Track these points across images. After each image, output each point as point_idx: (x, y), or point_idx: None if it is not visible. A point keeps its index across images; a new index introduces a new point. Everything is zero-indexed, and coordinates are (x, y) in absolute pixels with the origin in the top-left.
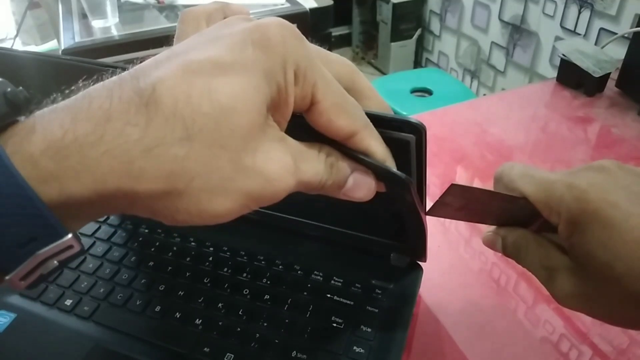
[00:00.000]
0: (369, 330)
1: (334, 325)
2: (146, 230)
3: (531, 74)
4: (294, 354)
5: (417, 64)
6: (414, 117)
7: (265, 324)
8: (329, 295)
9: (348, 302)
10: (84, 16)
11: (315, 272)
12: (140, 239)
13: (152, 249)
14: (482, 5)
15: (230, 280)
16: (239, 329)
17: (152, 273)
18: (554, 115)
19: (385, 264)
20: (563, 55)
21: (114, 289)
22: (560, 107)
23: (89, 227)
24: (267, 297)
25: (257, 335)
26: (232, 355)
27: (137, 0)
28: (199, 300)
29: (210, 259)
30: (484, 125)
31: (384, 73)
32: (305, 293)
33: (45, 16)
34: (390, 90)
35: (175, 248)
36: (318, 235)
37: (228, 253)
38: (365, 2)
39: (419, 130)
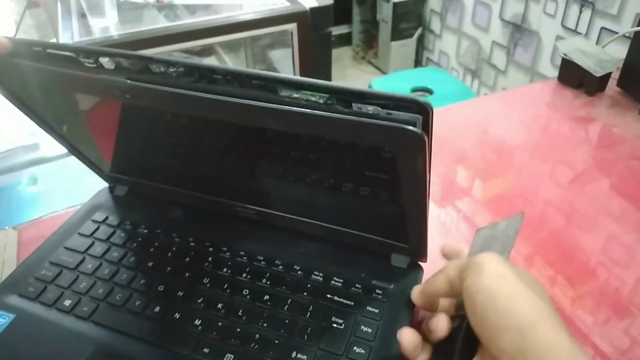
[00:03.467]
0: (369, 330)
1: (334, 325)
2: (145, 231)
3: (532, 74)
4: (294, 354)
5: (417, 63)
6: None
7: (265, 325)
8: (329, 296)
9: (348, 302)
10: (82, 15)
11: (315, 272)
12: (140, 239)
13: (152, 250)
14: (483, 5)
15: (229, 281)
16: (238, 330)
17: (151, 273)
18: (555, 115)
19: (386, 264)
20: (564, 54)
21: (113, 289)
22: (561, 107)
23: (88, 227)
24: (266, 297)
25: (257, 335)
26: (232, 356)
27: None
28: (199, 301)
29: (210, 259)
30: (485, 125)
31: (384, 72)
32: (305, 293)
33: (44, 15)
34: (390, 90)
35: (174, 248)
36: (318, 235)
37: (227, 253)
38: (365, 1)
39: (425, 110)
